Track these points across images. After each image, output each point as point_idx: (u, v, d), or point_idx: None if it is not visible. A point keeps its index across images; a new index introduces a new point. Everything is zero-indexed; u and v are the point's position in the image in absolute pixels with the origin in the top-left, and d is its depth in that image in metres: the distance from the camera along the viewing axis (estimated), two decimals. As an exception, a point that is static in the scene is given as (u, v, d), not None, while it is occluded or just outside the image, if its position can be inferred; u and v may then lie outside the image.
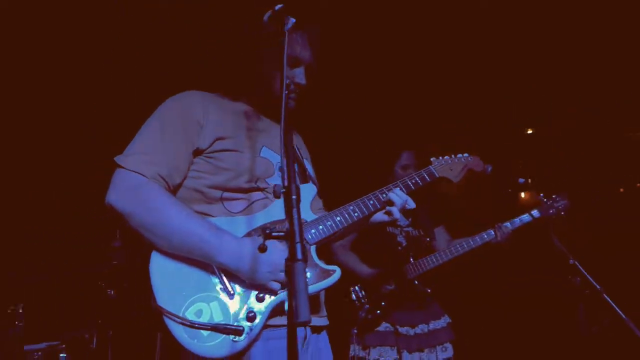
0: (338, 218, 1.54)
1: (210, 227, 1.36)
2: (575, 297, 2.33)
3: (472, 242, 2.72)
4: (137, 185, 1.36)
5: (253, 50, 1.55)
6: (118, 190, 1.36)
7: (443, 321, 2.82)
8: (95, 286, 2.61)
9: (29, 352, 2.26)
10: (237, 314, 1.33)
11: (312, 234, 1.48)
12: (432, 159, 1.81)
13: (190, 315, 1.29)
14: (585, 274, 2.29)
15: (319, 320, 1.56)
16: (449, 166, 1.82)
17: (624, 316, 2.10)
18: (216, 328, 1.28)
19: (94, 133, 3.11)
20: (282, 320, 1.41)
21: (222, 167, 1.45)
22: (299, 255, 0.89)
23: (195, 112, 1.47)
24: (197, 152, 1.46)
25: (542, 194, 2.69)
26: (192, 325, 1.27)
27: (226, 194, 1.46)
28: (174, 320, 1.28)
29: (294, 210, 0.94)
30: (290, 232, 0.91)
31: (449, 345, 2.82)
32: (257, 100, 1.62)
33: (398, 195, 1.63)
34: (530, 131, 4.46)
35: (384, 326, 2.72)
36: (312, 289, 1.42)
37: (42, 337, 2.48)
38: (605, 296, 2.20)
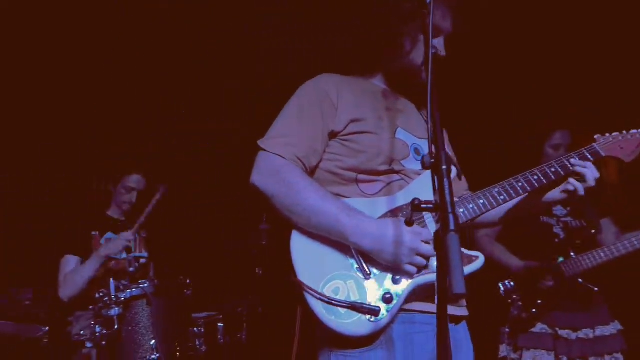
0: (481, 201, 1.45)
1: (346, 209, 1.36)
2: None
3: None
4: (277, 167, 1.40)
5: (389, 27, 1.52)
6: (260, 172, 1.42)
7: (613, 327, 2.50)
8: (247, 265, 2.87)
9: (195, 319, 2.57)
10: (373, 294, 1.31)
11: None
12: (596, 136, 1.63)
13: (328, 291, 1.31)
14: None
15: (458, 310, 1.48)
16: (619, 144, 1.61)
17: None
18: (353, 306, 1.28)
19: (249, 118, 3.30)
20: (423, 306, 1.39)
21: (357, 150, 1.45)
22: (452, 227, 0.84)
23: (331, 94, 1.48)
24: (333, 135, 1.47)
25: None
26: (331, 301, 1.29)
27: (361, 176, 1.45)
28: (313, 296, 1.30)
29: (445, 180, 0.89)
30: (441, 203, 0.86)
31: (620, 357, 2.48)
32: (393, 78, 1.60)
33: (585, 166, 1.51)
34: None
35: (539, 327, 2.49)
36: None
37: (205, 307, 2.80)
38: None
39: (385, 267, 1.34)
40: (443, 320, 0.88)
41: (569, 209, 2.68)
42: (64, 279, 2.73)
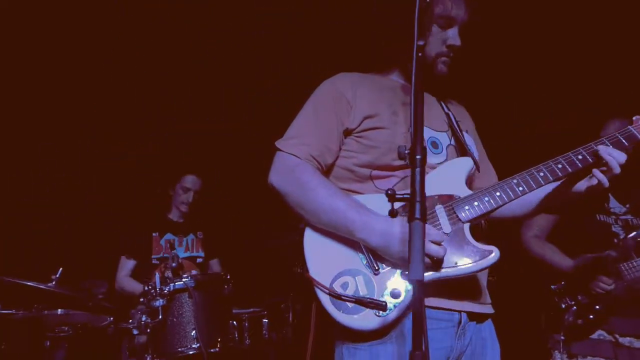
0: (498, 193, 1.39)
1: (355, 206, 1.38)
2: None
3: None
4: (292, 166, 1.46)
5: (399, 22, 1.51)
6: (277, 171, 1.48)
7: None
8: (288, 263, 2.95)
9: (239, 314, 2.69)
10: (381, 289, 1.33)
11: (466, 211, 1.38)
12: (634, 118, 1.48)
13: (337, 287, 1.34)
14: None
15: (480, 307, 1.46)
16: None
17: None
18: (360, 301, 1.30)
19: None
20: (438, 302, 1.38)
21: (370, 145, 1.47)
22: (417, 215, 0.83)
23: (346, 93, 1.51)
24: (348, 132, 1.50)
25: None
26: (339, 296, 1.32)
27: (375, 172, 1.47)
28: (323, 291, 1.34)
29: (417, 170, 0.88)
30: (411, 192, 0.85)
31: None
32: (408, 73, 1.58)
33: (609, 153, 1.38)
34: None
35: (597, 333, 2.33)
36: (464, 270, 1.32)
37: (250, 303, 2.92)
38: None
39: (393, 263, 1.35)
40: (419, 307, 0.87)
41: (628, 205, 2.50)
42: (118, 279, 3.10)
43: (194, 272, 2.82)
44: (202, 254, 3.35)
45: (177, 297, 2.30)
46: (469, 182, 1.51)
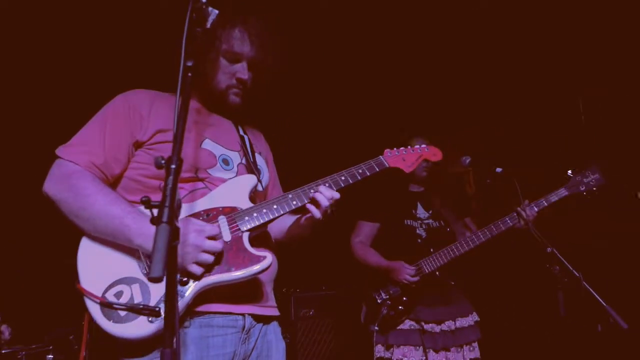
0: (275, 206, 1.55)
1: (132, 212, 1.39)
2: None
3: (494, 229, 2.62)
4: (69, 173, 1.44)
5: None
6: (52, 178, 1.45)
7: (471, 319, 2.72)
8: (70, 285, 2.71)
9: (9, 355, 2.36)
10: (157, 296, 1.35)
11: (245, 222, 1.50)
12: (385, 150, 1.83)
13: (109, 296, 1.33)
14: (564, 261, 2.22)
15: (262, 310, 1.56)
16: (402, 156, 1.83)
17: (604, 304, 2.02)
18: (132, 308, 1.31)
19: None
20: (222, 307, 1.45)
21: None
22: (164, 219, 0.93)
23: (140, 106, 1.55)
24: (138, 144, 1.53)
25: (570, 170, 2.57)
26: (110, 305, 1.31)
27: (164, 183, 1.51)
28: (93, 300, 1.33)
29: (170, 178, 0.98)
30: (162, 198, 0.95)
31: (476, 346, 2.71)
32: (205, 98, 1.70)
33: (323, 194, 1.56)
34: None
35: (408, 324, 2.65)
36: (239, 275, 1.42)
37: (28, 339, 2.58)
38: (585, 283, 2.13)
39: None
40: (170, 303, 0.95)
41: (430, 211, 2.93)
42: None
43: None
44: None
45: None
46: (262, 198, 1.66)
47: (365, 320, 2.77)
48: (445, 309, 2.70)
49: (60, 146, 1.50)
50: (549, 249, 2.23)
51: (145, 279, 1.37)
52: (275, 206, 1.55)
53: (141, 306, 1.32)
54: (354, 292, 2.88)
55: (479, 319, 2.77)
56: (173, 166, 1.02)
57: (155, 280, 0.86)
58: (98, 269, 1.39)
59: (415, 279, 2.67)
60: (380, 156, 1.79)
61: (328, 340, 3.69)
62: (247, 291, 1.51)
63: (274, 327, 1.63)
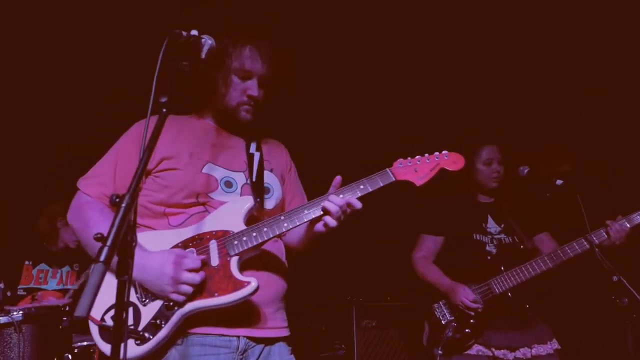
0: (265, 229, 1.55)
1: None
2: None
3: (577, 247, 2.37)
4: (82, 203, 1.60)
5: (204, 74, 1.66)
6: (70, 208, 1.62)
7: (550, 347, 2.45)
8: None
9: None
10: (145, 320, 1.43)
11: (234, 246, 1.52)
12: (397, 161, 1.68)
13: (107, 318, 1.43)
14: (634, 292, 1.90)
15: (261, 332, 1.57)
16: (414, 167, 1.67)
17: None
18: None
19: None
20: (214, 329, 1.50)
21: (164, 185, 1.60)
22: (101, 258, 0.98)
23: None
24: (147, 172, 1.62)
25: None
26: (105, 327, 1.42)
27: (169, 209, 1.61)
28: (94, 322, 1.44)
29: (118, 217, 1.03)
30: (107, 235, 1.00)
31: None
32: (219, 116, 1.76)
33: (333, 202, 1.54)
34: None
35: (476, 349, 2.44)
36: (223, 300, 1.45)
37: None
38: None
39: (157, 295, 1.47)
40: (117, 339, 1.01)
41: (502, 225, 2.69)
42: None
43: (28, 305, 2.77)
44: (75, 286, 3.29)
45: (3, 333, 2.28)
46: (279, 213, 1.63)
47: (428, 343, 2.60)
48: (520, 335, 2.46)
49: (80, 178, 1.65)
50: (615, 278, 1.93)
51: (138, 303, 1.46)
52: (265, 229, 1.55)
53: (129, 329, 1.40)
54: (422, 306, 2.71)
55: (559, 347, 2.48)
56: (123, 205, 1.06)
57: (79, 319, 0.91)
58: (102, 293, 1.48)
59: (476, 305, 2.45)
60: (388, 168, 1.65)
61: (389, 354, 3.57)
62: (240, 314, 1.53)
63: (280, 347, 1.63)
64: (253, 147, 1.78)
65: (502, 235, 2.64)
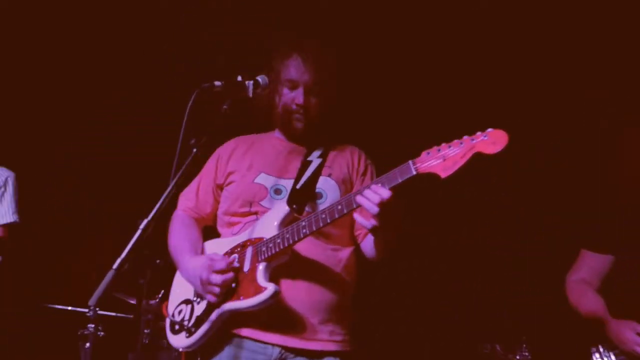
0: (287, 235, 1.59)
1: (183, 250, 1.80)
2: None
3: None
4: (174, 217, 1.94)
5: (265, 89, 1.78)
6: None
7: None
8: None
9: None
10: (194, 316, 1.71)
11: (262, 252, 1.63)
12: (425, 151, 1.45)
13: (176, 313, 1.77)
14: None
15: (302, 343, 1.61)
16: (443, 154, 1.39)
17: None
18: (179, 325, 1.70)
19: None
20: (251, 332, 1.63)
21: (226, 197, 1.87)
22: (114, 266, 1.22)
23: (224, 154, 1.93)
24: (220, 187, 1.91)
25: None
26: (172, 321, 1.76)
27: (231, 219, 1.84)
28: (165, 316, 1.81)
29: (136, 234, 1.28)
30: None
31: None
32: (283, 129, 1.92)
33: (365, 197, 1.44)
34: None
35: None
36: (246, 303, 1.58)
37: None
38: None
39: (200, 295, 1.73)
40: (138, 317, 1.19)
41: None
42: None
43: None
44: None
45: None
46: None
47: None
48: None
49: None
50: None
51: (194, 300, 1.74)
52: (287, 235, 1.59)
53: (182, 323, 1.70)
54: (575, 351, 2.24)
55: None
56: (142, 226, 1.31)
57: (89, 307, 1.06)
58: (177, 292, 1.86)
59: None
60: (410, 161, 1.45)
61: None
62: (279, 320, 1.62)
63: None
64: (315, 155, 1.86)
65: None
